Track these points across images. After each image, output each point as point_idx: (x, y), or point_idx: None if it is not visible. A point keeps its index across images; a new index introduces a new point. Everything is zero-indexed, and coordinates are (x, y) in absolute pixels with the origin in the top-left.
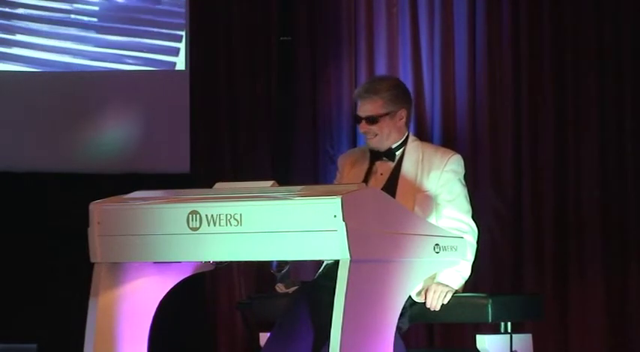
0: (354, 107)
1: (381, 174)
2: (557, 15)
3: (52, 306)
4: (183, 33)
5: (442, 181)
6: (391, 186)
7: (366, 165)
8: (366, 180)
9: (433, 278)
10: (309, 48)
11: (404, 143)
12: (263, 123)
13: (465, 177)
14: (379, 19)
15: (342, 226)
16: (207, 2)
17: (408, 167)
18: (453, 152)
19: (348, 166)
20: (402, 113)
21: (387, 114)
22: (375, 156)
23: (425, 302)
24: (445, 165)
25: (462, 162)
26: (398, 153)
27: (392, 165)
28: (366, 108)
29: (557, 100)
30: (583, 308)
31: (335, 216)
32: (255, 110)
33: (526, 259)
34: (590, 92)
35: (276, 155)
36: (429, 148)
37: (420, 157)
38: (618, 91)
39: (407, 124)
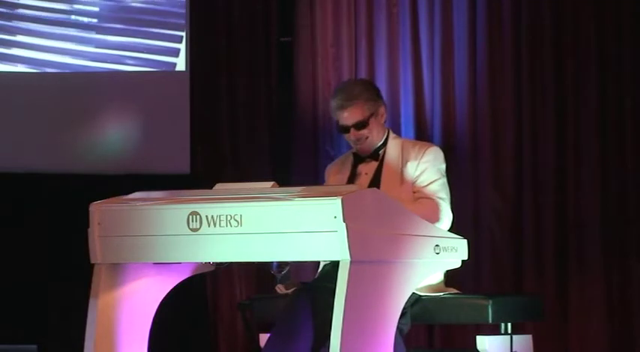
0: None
1: (366, 174)
2: (558, 15)
3: (52, 306)
4: (183, 34)
5: (418, 171)
6: (376, 183)
7: (348, 170)
8: (350, 183)
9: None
10: (309, 48)
11: (385, 141)
12: (263, 123)
13: (447, 169)
14: (379, 20)
15: (342, 227)
16: (207, 2)
17: (390, 162)
18: (431, 144)
19: (333, 175)
20: (382, 110)
21: (372, 114)
22: (358, 159)
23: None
24: (422, 156)
25: (439, 154)
26: (381, 151)
27: (375, 164)
28: (351, 116)
29: (557, 100)
30: (583, 308)
31: (335, 216)
32: (255, 110)
33: (526, 259)
34: (591, 92)
35: (276, 155)
36: (407, 142)
37: (400, 151)
38: (619, 91)
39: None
